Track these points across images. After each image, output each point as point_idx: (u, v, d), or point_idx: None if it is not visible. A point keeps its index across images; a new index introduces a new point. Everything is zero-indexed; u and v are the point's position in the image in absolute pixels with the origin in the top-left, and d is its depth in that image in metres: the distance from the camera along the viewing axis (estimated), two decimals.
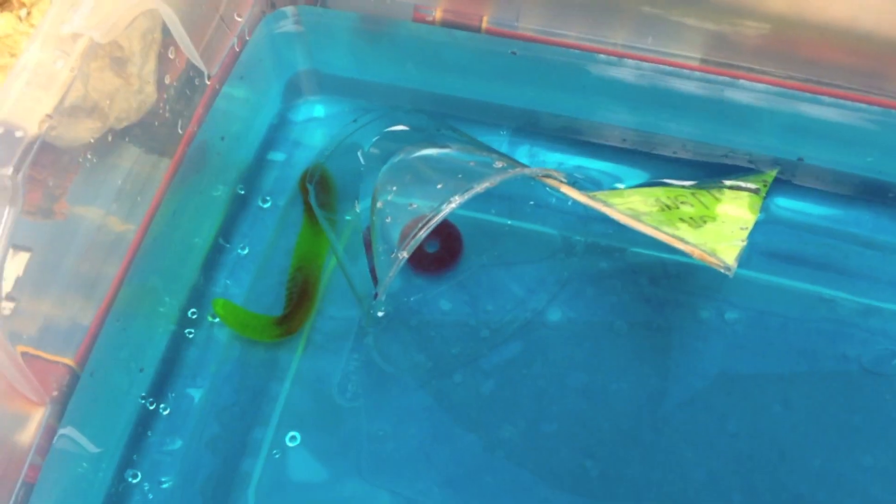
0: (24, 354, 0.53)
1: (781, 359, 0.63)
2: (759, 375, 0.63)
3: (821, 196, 0.68)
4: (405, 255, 0.56)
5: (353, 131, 0.66)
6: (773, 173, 0.68)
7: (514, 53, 0.67)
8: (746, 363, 0.63)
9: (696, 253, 0.57)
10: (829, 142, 0.66)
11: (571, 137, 0.71)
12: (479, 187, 0.55)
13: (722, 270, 0.57)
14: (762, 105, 0.65)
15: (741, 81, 0.64)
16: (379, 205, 0.60)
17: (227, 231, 0.69)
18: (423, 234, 0.55)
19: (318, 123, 0.74)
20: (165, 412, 0.63)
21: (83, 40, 0.52)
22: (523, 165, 0.61)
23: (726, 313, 0.65)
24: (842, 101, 0.63)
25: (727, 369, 0.63)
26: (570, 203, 0.62)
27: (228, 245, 0.69)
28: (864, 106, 0.63)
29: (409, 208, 0.58)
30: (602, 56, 0.65)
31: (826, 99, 0.63)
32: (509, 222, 0.69)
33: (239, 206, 0.70)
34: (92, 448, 0.59)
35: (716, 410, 0.62)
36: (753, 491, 0.60)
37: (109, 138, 0.57)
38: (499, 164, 0.60)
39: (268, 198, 0.70)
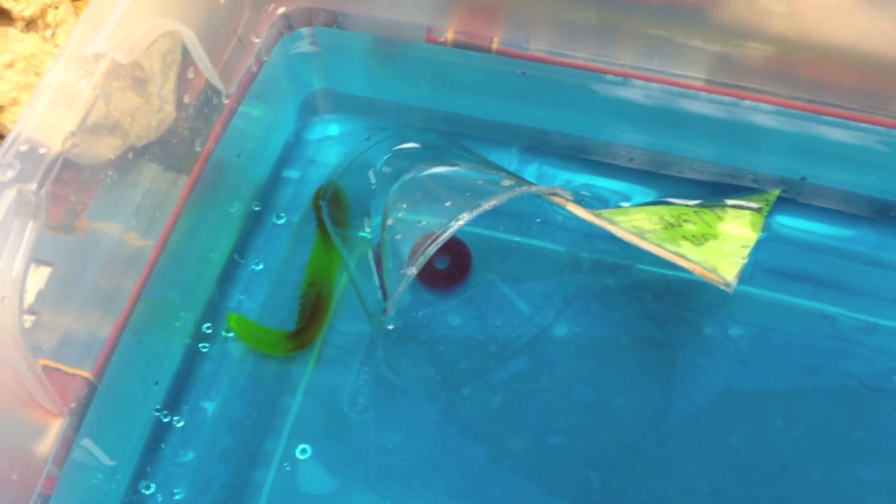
0: (43, 367, 0.53)
1: (784, 375, 0.64)
2: (762, 391, 0.63)
3: (824, 214, 0.69)
4: (414, 271, 0.56)
5: (365, 149, 0.67)
6: (776, 193, 0.68)
7: (524, 74, 0.67)
8: (749, 379, 0.64)
9: (698, 270, 0.58)
10: (832, 161, 0.66)
11: (580, 156, 0.71)
12: (487, 205, 0.56)
13: (722, 287, 0.57)
14: (766, 125, 0.65)
15: (745, 102, 0.64)
16: (390, 222, 0.60)
17: (242, 247, 0.70)
18: (431, 250, 0.56)
19: (332, 142, 0.74)
20: (179, 424, 0.64)
21: (105, 60, 0.53)
22: (530, 183, 0.62)
23: (730, 329, 0.65)
24: (844, 122, 0.63)
25: (730, 385, 0.63)
26: (576, 221, 0.63)
27: (243, 261, 0.69)
28: (866, 126, 0.63)
29: (418, 225, 0.59)
30: (610, 76, 0.66)
31: (829, 119, 0.64)
32: (517, 239, 0.69)
33: (254, 223, 0.71)
34: (107, 459, 0.60)
35: (719, 425, 0.62)
36: (755, 503, 0.60)
37: (130, 156, 0.58)
38: (506, 183, 0.60)
39: (282, 214, 0.71)
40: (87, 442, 0.57)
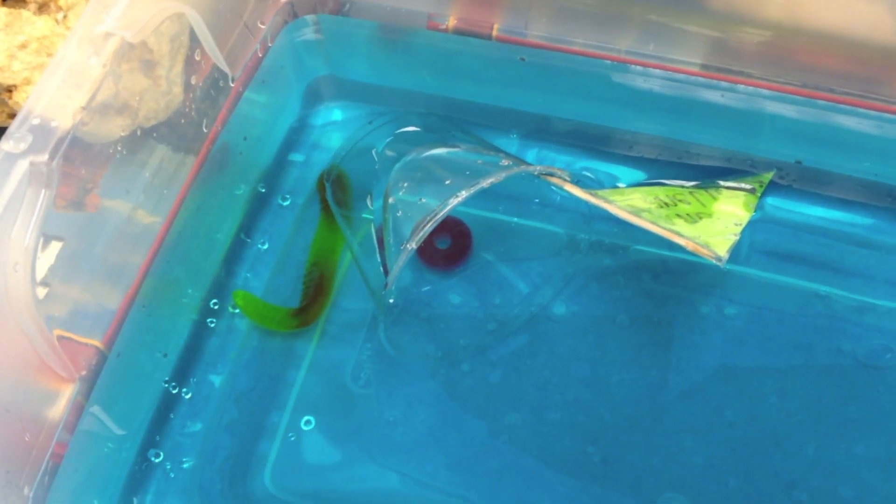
0: (55, 335, 0.54)
1: (778, 352, 0.64)
2: (757, 368, 0.64)
3: (818, 197, 0.69)
4: (413, 246, 0.57)
5: (367, 132, 0.67)
6: (770, 175, 0.69)
7: (523, 60, 0.68)
8: (744, 356, 0.64)
9: (690, 245, 0.58)
10: (827, 145, 0.67)
11: (579, 142, 0.72)
12: (485, 182, 0.56)
13: (713, 261, 0.58)
14: (762, 110, 0.66)
15: (742, 87, 0.65)
16: (391, 201, 0.61)
17: (248, 227, 0.71)
18: (430, 226, 0.56)
19: (336, 127, 0.75)
20: (187, 396, 0.65)
21: (115, 40, 0.54)
22: (528, 164, 0.62)
23: (725, 308, 0.66)
24: (838, 106, 0.64)
25: (725, 362, 0.64)
26: (574, 202, 0.63)
27: (249, 240, 0.70)
28: (861, 110, 0.64)
29: (419, 203, 0.59)
30: (607, 62, 0.66)
31: (824, 104, 0.64)
32: (517, 220, 0.70)
33: (260, 204, 0.72)
34: (117, 427, 0.61)
35: (714, 400, 0.63)
36: (749, 476, 0.60)
37: (138, 135, 0.59)
38: (505, 163, 0.61)
39: (287, 196, 0.72)
40: (97, 409, 0.58)
